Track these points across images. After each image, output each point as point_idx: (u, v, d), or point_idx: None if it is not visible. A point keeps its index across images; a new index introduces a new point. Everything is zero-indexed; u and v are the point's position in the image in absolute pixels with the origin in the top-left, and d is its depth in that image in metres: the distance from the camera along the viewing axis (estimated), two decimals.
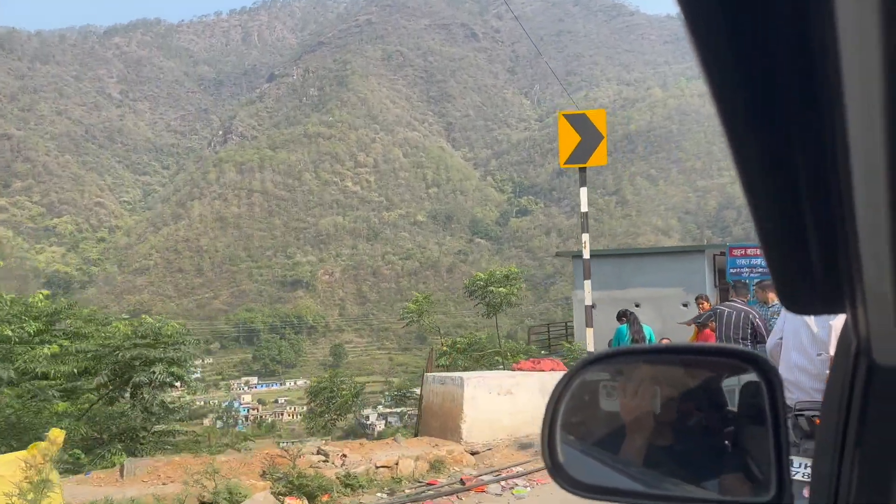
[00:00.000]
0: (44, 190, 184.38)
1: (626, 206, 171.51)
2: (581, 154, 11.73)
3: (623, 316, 12.58)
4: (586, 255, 11.89)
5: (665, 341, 13.75)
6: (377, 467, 8.37)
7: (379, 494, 7.90)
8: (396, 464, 8.59)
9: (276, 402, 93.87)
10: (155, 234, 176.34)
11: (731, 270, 14.23)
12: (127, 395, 10.69)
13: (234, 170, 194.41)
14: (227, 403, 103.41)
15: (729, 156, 0.63)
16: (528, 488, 8.67)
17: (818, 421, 3.63)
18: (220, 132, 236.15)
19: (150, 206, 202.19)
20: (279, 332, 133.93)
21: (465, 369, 16.72)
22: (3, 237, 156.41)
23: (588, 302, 11.51)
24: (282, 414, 78.98)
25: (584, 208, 12.39)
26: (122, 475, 6.97)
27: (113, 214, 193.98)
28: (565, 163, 11.86)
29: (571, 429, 1.34)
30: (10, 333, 10.17)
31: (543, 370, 11.46)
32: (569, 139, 11.76)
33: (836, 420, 0.98)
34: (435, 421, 10.35)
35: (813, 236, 0.69)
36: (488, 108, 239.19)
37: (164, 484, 6.77)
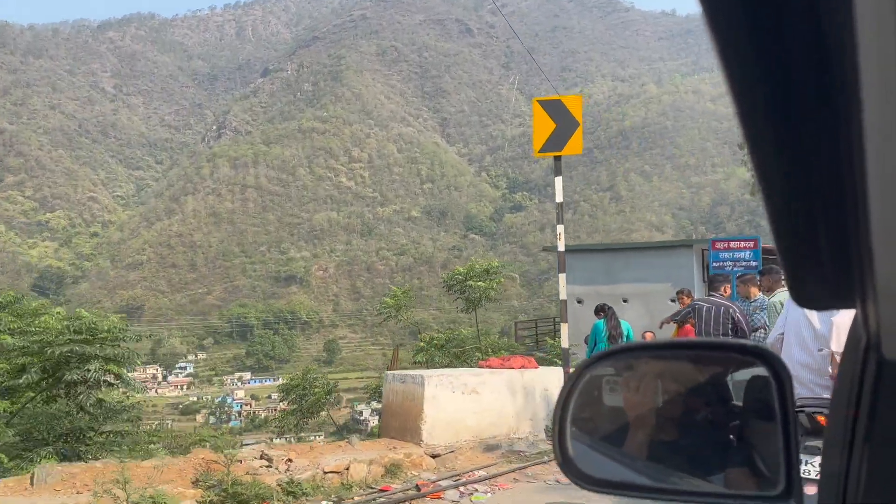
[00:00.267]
0: (37, 185, 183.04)
1: (621, 201, 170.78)
2: (556, 142, 11.14)
3: (601, 311, 12.08)
4: (561, 247, 11.38)
5: (648, 335, 13.23)
6: (325, 473, 7.79)
7: (325, 502, 7.34)
8: (347, 468, 8.00)
9: (270, 397, 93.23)
10: (148, 229, 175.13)
11: (714, 264, 13.63)
12: (62, 394, 10.07)
13: (227, 165, 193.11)
14: (220, 399, 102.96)
15: (745, 148, 0.62)
16: (489, 494, 8.13)
17: (819, 417, 3.86)
18: (214, 127, 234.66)
19: (144, 200, 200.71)
20: (273, 327, 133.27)
21: (445, 366, 16.22)
22: None
23: (563, 296, 10.96)
24: (275, 409, 78.60)
25: (558, 198, 11.87)
26: (31, 483, 6.39)
27: (106, 209, 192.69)
28: (539, 151, 11.28)
29: (581, 424, 1.34)
30: None
31: (513, 367, 10.88)
32: (543, 126, 11.16)
33: (844, 416, 0.98)
34: (395, 421, 9.74)
35: (825, 230, 0.69)
36: (483, 103, 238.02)
37: (78, 493, 6.17)
